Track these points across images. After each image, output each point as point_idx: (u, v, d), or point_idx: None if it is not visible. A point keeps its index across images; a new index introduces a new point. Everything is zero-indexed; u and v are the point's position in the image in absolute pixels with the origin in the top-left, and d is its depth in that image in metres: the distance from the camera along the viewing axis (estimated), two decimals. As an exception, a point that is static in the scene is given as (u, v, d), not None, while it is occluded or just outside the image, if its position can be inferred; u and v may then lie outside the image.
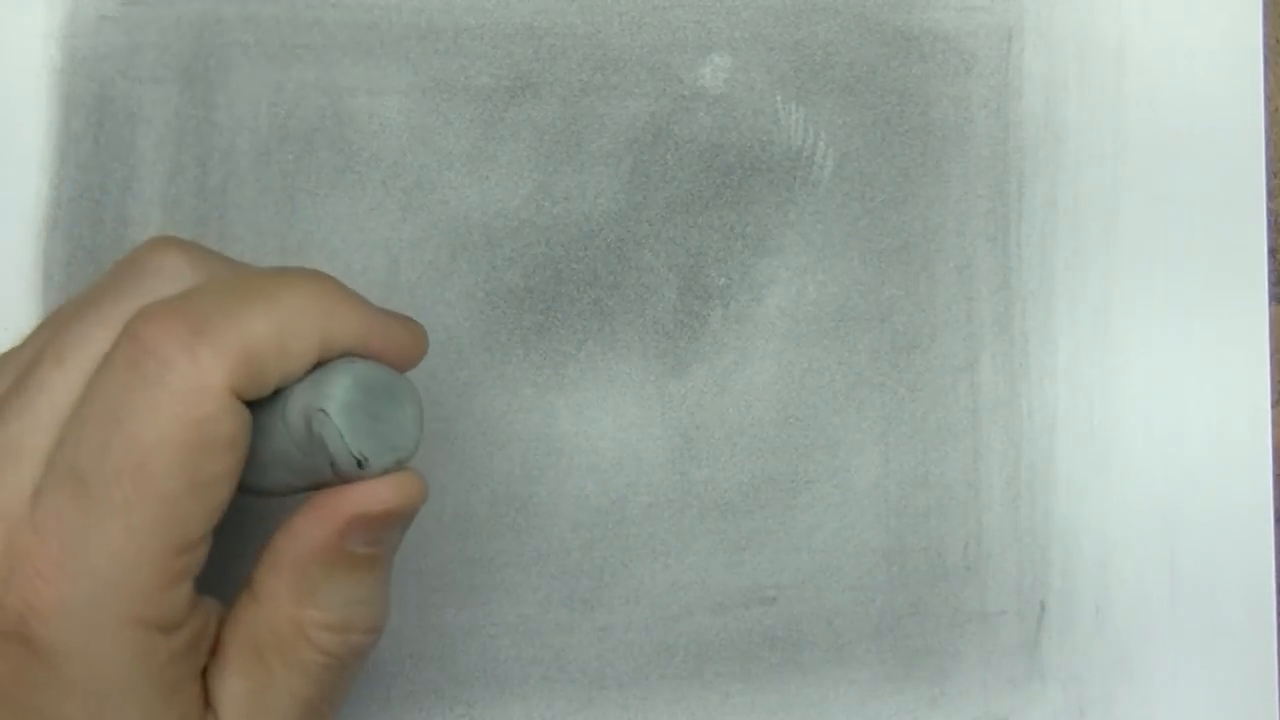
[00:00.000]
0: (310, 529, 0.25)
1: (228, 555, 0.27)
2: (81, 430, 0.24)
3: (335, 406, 0.24)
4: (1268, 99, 0.36)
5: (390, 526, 0.26)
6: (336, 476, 0.25)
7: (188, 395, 0.23)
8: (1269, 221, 0.36)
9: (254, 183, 0.34)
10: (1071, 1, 0.36)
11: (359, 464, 0.25)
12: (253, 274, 0.26)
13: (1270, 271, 0.36)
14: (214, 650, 0.26)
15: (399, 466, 0.26)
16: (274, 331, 0.24)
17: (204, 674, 0.26)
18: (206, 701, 0.26)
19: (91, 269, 0.33)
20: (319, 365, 0.25)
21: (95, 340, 0.25)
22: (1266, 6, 0.36)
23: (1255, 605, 0.36)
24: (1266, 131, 0.36)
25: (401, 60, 0.34)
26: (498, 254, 0.35)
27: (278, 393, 0.25)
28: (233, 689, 0.26)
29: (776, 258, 0.35)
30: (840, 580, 0.35)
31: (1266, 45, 0.36)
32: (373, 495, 0.25)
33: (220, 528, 0.25)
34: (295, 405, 0.25)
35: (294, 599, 0.26)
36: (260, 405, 0.25)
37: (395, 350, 0.26)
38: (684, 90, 0.35)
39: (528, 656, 0.35)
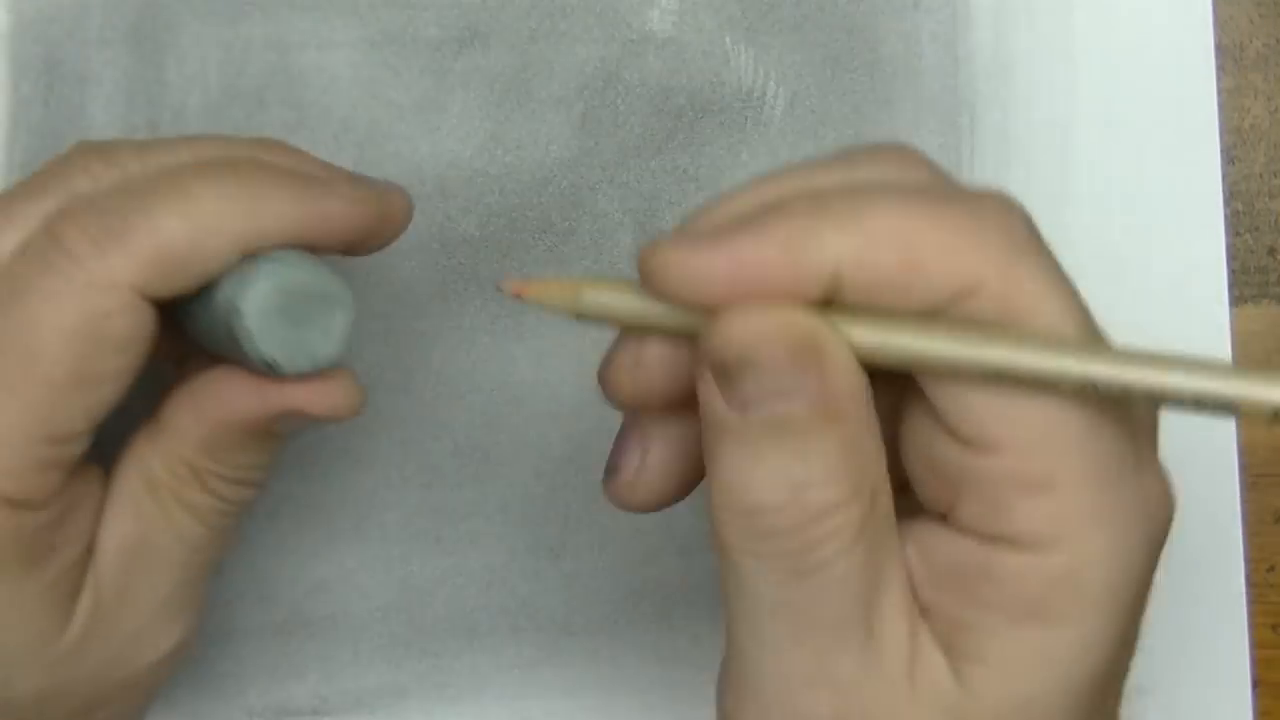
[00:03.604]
0: (247, 402, 0.25)
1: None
2: None
3: (250, 308, 0.24)
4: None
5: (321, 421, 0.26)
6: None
7: (88, 289, 0.24)
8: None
9: (206, 141, 0.34)
10: (1019, -64, 0.36)
11: (269, 367, 0.25)
12: (174, 170, 0.25)
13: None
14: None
15: (314, 371, 0.25)
16: (189, 230, 0.24)
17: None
18: (90, 550, 0.26)
19: (45, 231, 0.33)
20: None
21: (6, 238, 0.25)
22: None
23: (1228, 609, 0.35)
24: (1220, 79, 0.36)
25: (349, 14, 0.35)
26: (451, 204, 0.35)
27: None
28: (120, 529, 0.26)
29: (731, 200, 0.35)
30: (806, 520, 0.35)
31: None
32: (315, 399, 0.25)
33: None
34: (220, 296, 0.25)
35: (201, 449, 0.26)
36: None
37: (340, 241, 0.26)
38: (632, 34, 0.35)
39: (495, 605, 0.34)
